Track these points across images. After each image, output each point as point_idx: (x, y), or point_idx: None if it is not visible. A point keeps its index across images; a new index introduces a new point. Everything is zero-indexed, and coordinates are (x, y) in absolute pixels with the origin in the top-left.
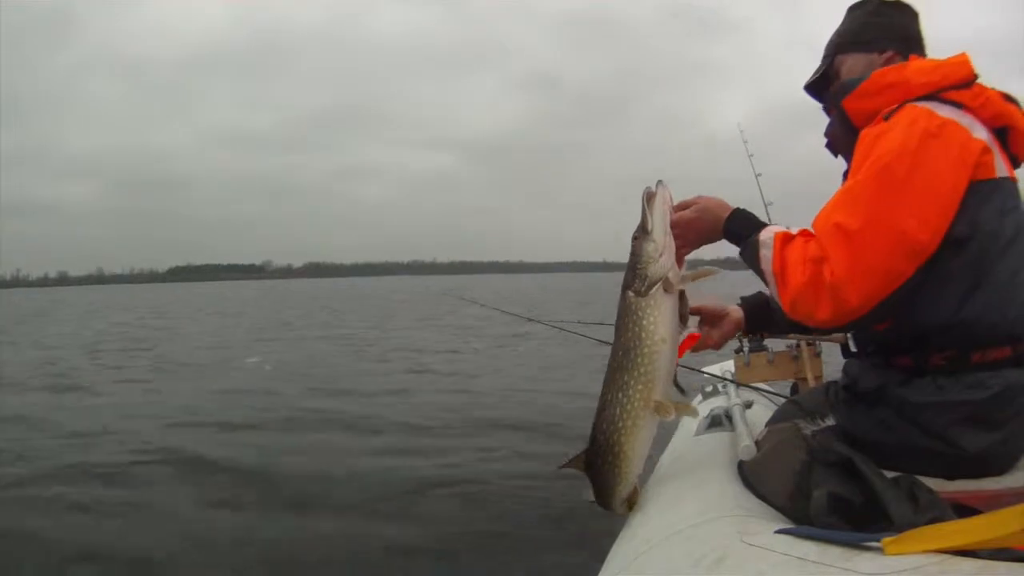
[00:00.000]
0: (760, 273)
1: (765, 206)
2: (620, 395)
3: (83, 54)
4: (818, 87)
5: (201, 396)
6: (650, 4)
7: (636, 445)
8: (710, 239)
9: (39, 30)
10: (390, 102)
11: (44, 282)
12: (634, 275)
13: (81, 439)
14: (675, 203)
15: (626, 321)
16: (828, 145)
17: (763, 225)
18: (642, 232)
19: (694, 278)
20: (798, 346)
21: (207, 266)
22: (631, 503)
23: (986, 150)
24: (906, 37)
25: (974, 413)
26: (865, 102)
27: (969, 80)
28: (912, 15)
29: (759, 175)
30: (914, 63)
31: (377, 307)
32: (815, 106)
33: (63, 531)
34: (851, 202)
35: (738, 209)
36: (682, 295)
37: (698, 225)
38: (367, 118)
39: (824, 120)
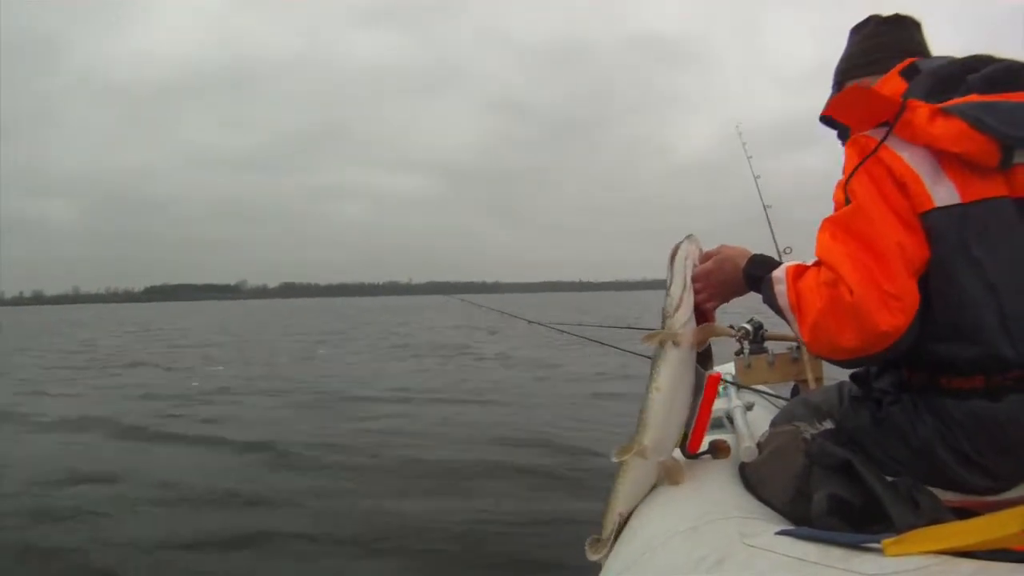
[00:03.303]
0: (779, 311)
1: (764, 208)
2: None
3: (68, 77)
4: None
5: None
6: (612, 35)
7: (623, 483)
8: (735, 290)
9: (27, 54)
10: (365, 125)
11: (19, 301)
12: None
13: None
14: (702, 254)
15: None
16: None
17: (778, 264)
18: (666, 287)
19: (705, 337)
20: (798, 348)
21: (183, 286)
22: (601, 544)
23: (913, 181)
24: (908, 51)
25: (950, 443)
26: (841, 112)
27: (896, 112)
28: (912, 26)
29: (758, 177)
30: (896, 79)
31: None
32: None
33: None
34: (845, 223)
35: (756, 254)
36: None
37: (718, 276)
38: (343, 141)
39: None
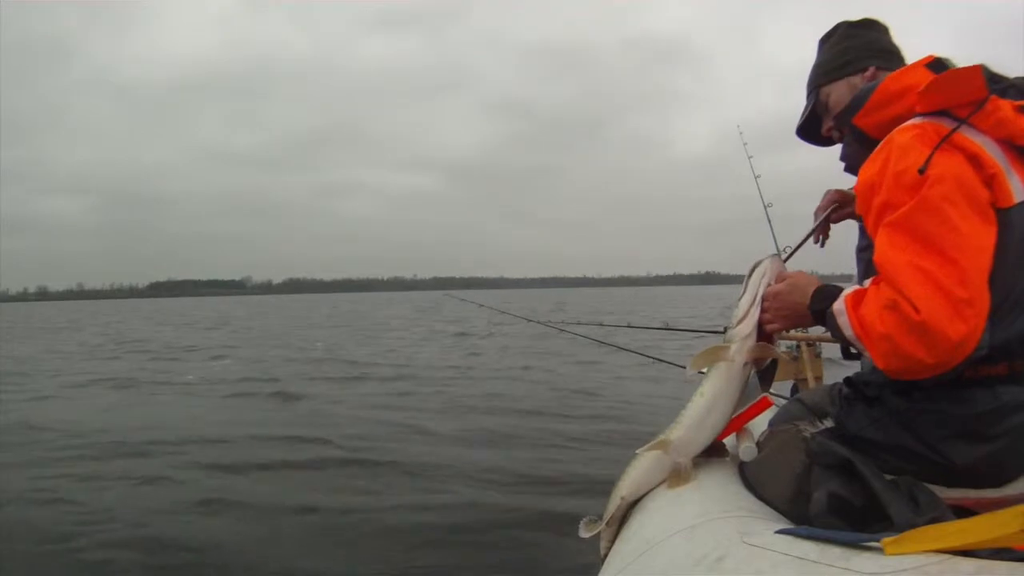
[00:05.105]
0: (847, 343)
1: (765, 208)
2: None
3: (80, 76)
4: (808, 130)
5: None
6: (613, 35)
7: (634, 469)
8: (798, 318)
9: (39, 54)
10: (371, 125)
11: (24, 297)
12: None
13: None
14: (780, 275)
15: None
16: (847, 168)
17: (839, 292)
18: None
19: (761, 356)
20: (798, 347)
21: (187, 281)
22: (595, 525)
23: (999, 173)
24: (883, 51)
25: (964, 427)
26: (880, 114)
27: (982, 99)
28: (882, 29)
29: (758, 176)
30: (922, 70)
31: None
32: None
33: None
34: (907, 224)
35: (821, 286)
36: (772, 364)
37: (785, 299)
38: (349, 140)
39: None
